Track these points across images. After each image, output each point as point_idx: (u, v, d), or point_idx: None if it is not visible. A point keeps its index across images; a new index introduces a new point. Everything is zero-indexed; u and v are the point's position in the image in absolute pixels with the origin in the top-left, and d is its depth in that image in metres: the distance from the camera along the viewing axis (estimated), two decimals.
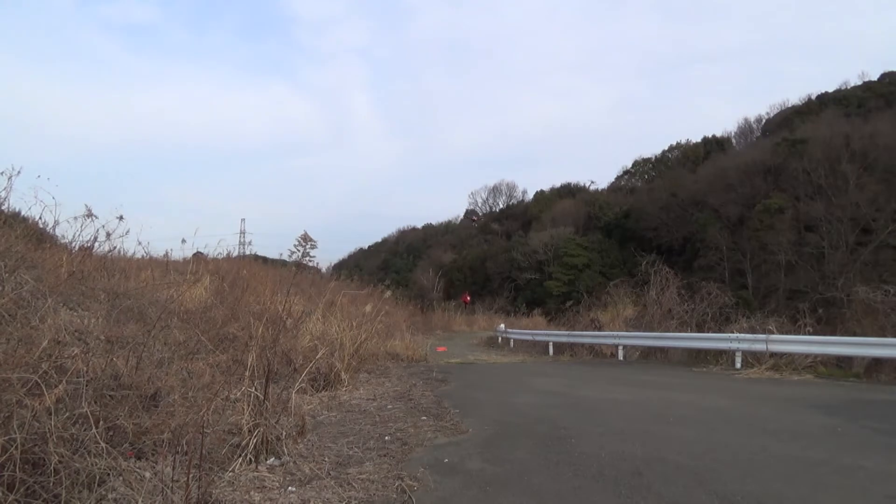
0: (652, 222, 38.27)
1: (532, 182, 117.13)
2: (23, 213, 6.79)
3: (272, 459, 3.93)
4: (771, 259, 30.84)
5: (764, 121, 50.47)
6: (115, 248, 7.55)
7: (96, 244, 6.98)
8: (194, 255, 10.66)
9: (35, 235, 6.76)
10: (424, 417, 5.83)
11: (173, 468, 3.09)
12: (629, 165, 53.72)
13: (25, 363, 2.99)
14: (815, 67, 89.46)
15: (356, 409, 6.27)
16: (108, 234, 6.82)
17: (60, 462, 2.68)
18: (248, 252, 32.74)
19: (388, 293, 14.54)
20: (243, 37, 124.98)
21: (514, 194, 62.74)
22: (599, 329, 14.95)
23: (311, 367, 6.25)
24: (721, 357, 10.52)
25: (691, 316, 12.82)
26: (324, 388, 7.22)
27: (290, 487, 3.49)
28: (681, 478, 3.64)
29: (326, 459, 4.13)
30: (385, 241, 76.00)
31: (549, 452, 4.39)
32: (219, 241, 20.24)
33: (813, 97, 46.89)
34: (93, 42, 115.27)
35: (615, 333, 13.56)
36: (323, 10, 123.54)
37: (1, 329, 3.72)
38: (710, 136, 48.77)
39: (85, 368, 3.41)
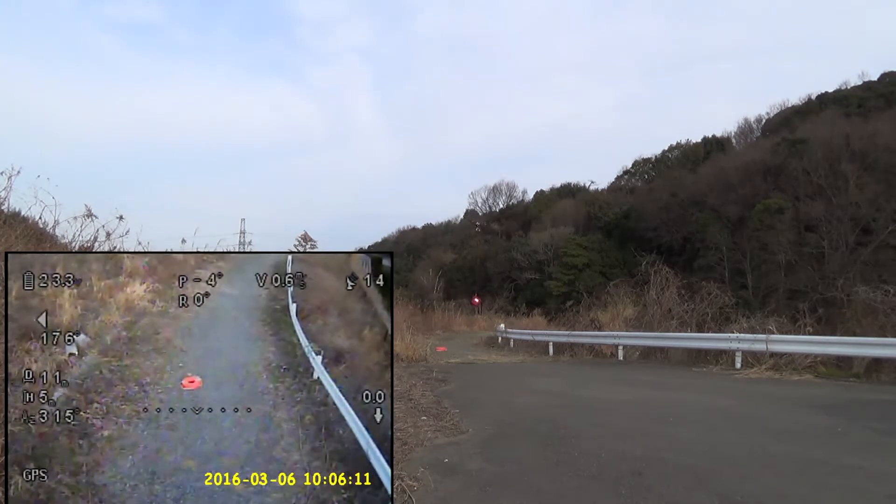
0: (652, 222, 38.20)
1: (532, 182, 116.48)
2: (23, 213, 6.76)
3: None
4: (771, 259, 30.79)
5: (764, 121, 50.32)
6: (115, 248, 7.55)
7: (96, 244, 6.98)
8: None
9: (35, 235, 6.75)
10: (424, 417, 5.84)
11: None
12: (629, 165, 53.59)
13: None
14: (815, 67, 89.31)
15: None
16: (108, 234, 6.81)
17: None
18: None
19: None
20: (246, 37, 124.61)
21: (514, 194, 62.51)
22: (599, 329, 14.96)
23: None
24: (721, 357, 10.52)
25: (691, 316, 12.83)
26: None
27: None
28: (681, 478, 3.64)
29: None
30: (385, 241, 75.82)
31: (549, 452, 4.40)
32: (219, 241, 20.17)
33: (813, 97, 46.78)
34: (94, 41, 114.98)
35: (615, 333, 13.56)
36: (325, 10, 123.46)
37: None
38: (710, 136, 48.67)
39: None
